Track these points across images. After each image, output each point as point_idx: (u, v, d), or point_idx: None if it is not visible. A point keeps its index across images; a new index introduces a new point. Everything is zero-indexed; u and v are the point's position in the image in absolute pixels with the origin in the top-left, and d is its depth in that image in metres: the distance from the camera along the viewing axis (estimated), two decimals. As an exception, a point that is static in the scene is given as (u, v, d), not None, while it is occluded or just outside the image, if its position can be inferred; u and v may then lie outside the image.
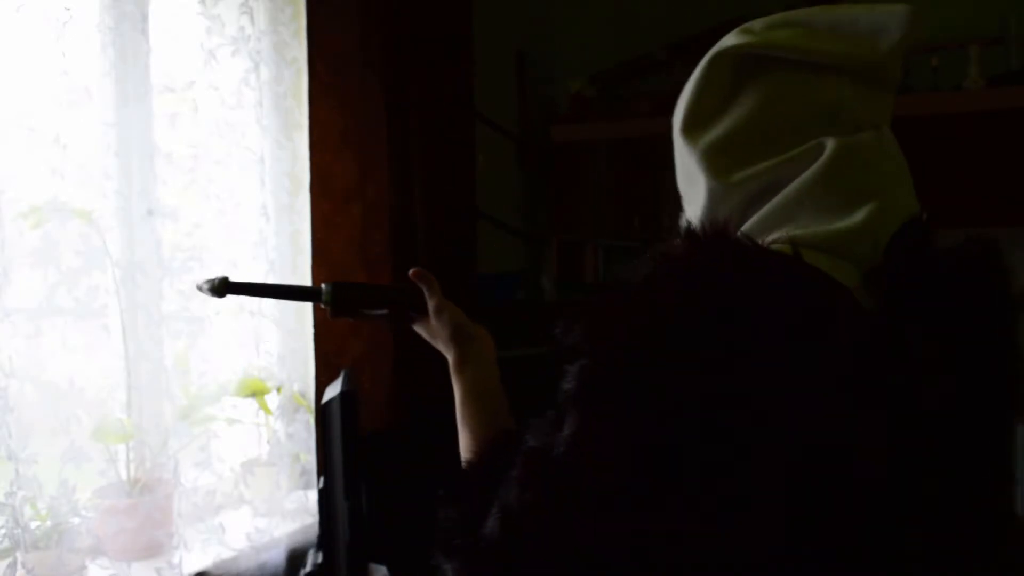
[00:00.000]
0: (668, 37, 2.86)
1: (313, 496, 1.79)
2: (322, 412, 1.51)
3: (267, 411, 1.82)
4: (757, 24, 0.84)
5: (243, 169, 1.77)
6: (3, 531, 1.34)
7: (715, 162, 0.81)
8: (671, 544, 0.63)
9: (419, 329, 1.13)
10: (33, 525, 1.38)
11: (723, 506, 0.63)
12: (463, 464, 0.89)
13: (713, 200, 0.81)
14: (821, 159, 0.76)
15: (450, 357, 1.07)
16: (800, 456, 0.64)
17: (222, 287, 1.08)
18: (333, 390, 1.49)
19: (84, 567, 1.46)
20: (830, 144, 0.76)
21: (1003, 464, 0.79)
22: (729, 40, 0.83)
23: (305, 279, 1.90)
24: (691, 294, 0.66)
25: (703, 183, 0.82)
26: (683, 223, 0.84)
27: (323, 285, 1.11)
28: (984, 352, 0.76)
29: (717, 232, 0.70)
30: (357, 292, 1.13)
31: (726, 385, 0.64)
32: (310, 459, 1.88)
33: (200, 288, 1.10)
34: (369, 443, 1.88)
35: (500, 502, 0.71)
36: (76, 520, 1.43)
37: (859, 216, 0.74)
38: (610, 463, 0.65)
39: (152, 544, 1.54)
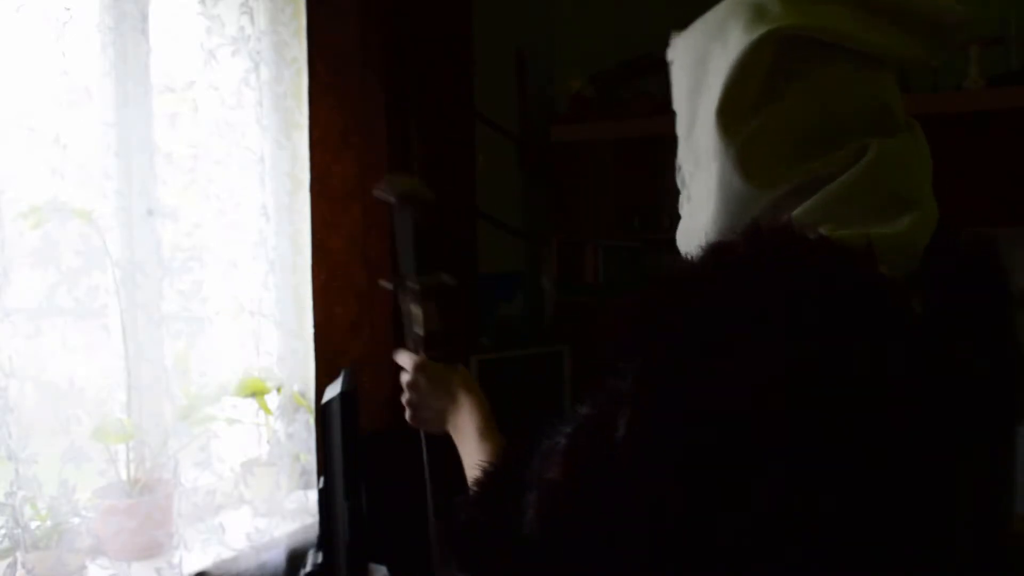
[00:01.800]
0: (668, 37, 2.86)
1: (313, 496, 1.79)
2: (322, 412, 1.51)
3: (267, 411, 1.82)
4: None
5: (243, 169, 1.77)
6: (3, 531, 1.34)
7: (750, 160, 0.74)
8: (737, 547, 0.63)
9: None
10: (33, 525, 1.38)
11: (788, 510, 0.62)
12: (480, 471, 0.86)
13: (737, 198, 0.75)
14: (865, 161, 0.72)
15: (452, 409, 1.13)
16: (877, 461, 0.64)
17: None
18: (333, 390, 1.49)
19: (84, 567, 1.46)
20: (874, 146, 0.72)
21: (1007, 470, 0.79)
22: (776, 14, 0.73)
23: (305, 279, 1.90)
24: (763, 293, 0.64)
25: (730, 180, 0.75)
26: (688, 210, 0.81)
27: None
28: (999, 355, 0.76)
29: (781, 230, 0.67)
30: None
31: (798, 389, 0.62)
32: (310, 459, 1.88)
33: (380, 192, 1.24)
34: (369, 443, 1.88)
35: (540, 502, 0.69)
36: (76, 520, 1.43)
37: (904, 223, 0.72)
38: (669, 465, 0.63)
39: (152, 544, 1.54)
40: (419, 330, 1.16)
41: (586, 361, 2.63)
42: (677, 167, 0.84)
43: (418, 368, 1.15)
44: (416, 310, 1.17)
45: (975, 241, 0.79)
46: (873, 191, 0.72)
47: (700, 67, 0.79)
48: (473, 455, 0.98)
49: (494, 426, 1.05)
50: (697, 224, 0.78)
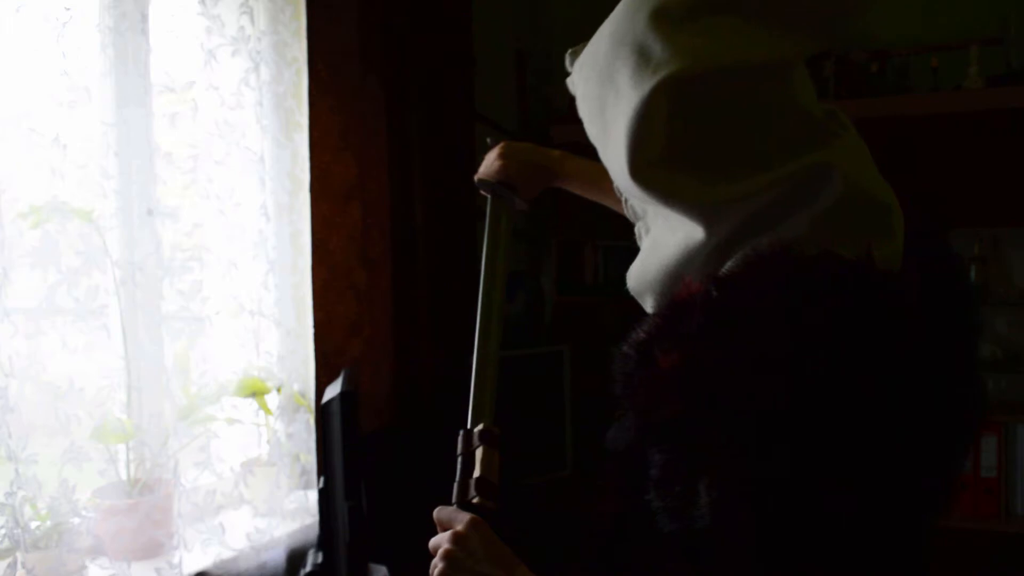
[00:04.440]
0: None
1: (313, 496, 1.79)
2: (322, 412, 1.51)
3: (267, 411, 1.82)
4: (665, 34, 0.71)
5: (243, 169, 1.77)
6: (3, 531, 1.34)
7: (686, 204, 0.72)
8: None
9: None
10: (33, 525, 1.38)
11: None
12: None
13: (695, 243, 0.72)
14: (833, 183, 0.70)
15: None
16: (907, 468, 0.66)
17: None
18: (333, 390, 1.49)
19: (84, 567, 1.46)
20: (837, 167, 0.70)
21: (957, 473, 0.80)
22: (659, 59, 0.71)
23: (305, 279, 1.90)
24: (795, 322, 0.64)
25: (680, 225, 0.73)
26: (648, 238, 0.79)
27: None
28: (966, 353, 0.77)
29: (784, 254, 0.67)
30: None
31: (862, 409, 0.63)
32: (310, 459, 1.88)
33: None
34: (369, 443, 1.88)
35: None
36: (76, 520, 1.43)
37: (898, 239, 0.72)
38: (765, 527, 0.63)
39: (152, 544, 1.53)
40: (476, 473, 0.97)
41: (588, 363, 2.63)
42: (623, 199, 0.82)
43: (473, 524, 0.88)
44: (481, 453, 0.99)
45: (934, 242, 0.78)
46: (856, 211, 0.70)
47: (600, 116, 0.77)
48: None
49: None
50: (664, 257, 0.76)
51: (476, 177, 1.22)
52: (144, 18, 1.54)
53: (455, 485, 0.96)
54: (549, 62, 3.07)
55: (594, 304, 2.88)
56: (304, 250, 1.90)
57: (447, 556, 0.87)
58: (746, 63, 0.70)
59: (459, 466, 0.98)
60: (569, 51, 0.89)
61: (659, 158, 0.71)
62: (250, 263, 1.80)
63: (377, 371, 2.08)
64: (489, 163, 1.21)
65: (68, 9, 1.40)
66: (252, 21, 1.75)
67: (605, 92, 0.75)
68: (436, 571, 0.87)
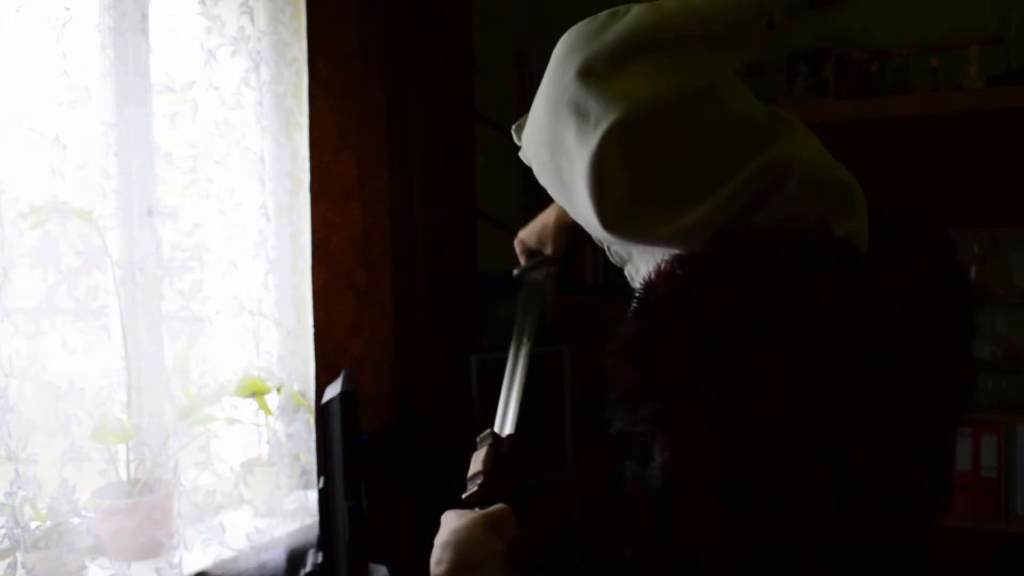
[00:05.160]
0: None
1: (313, 496, 1.79)
2: (322, 412, 1.51)
3: (267, 411, 1.82)
4: (593, 78, 0.74)
5: (243, 169, 1.77)
6: (3, 531, 1.34)
7: (666, 234, 0.74)
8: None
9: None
10: (33, 525, 1.38)
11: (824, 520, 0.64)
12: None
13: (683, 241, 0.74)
14: (791, 171, 0.73)
15: None
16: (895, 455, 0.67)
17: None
18: (333, 390, 1.49)
19: (84, 567, 1.46)
20: (789, 157, 0.73)
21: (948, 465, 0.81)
22: (597, 113, 0.74)
23: (305, 279, 1.90)
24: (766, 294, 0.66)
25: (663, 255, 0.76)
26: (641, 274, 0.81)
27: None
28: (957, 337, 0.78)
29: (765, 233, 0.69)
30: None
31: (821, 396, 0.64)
32: (310, 459, 1.88)
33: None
34: (369, 443, 1.88)
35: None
36: (76, 520, 1.43)
37: (861, 216, 0.74)
38: (713, 487, 0.64)
39: (152, 544, 1.53)
40: (469, 472, 1.00)
41: (588, 363, 2.63)
42: (606, 248, 0.85)
43: (471, 517, 0.90)
44: (476, 453, 1.03)
45: (912, 221, 0.81)
46: (822, 197, 0.73)
47: (558, 180, 0.80)
48: None
49: None
50: None
51: (521, 238, 1.24)
52: (144, 18, 1.54)
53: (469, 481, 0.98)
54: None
55: (594, 304, 2.88)
56: (304, 250, 1.90)
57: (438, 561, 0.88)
58: (678, 93, 0.73)
59: (480, 459, 1.00)
60: (513, 126, 0.92)
61: (624, 204, 0.74)
62: (250, 263, 1.80)
63: (377, 371, 2.08)
64: (540, 229, 1.23)
65: (68, 9, 1.40)
66: (252, 21, 1.75)
67: (556, 157, 0.78)
68: (433, 559, 0.89)
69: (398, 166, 2.15)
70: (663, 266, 0.72)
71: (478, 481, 0.96)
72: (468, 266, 2.45)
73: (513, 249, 1.25)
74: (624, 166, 0.73)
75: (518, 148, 0.90)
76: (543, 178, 0.83)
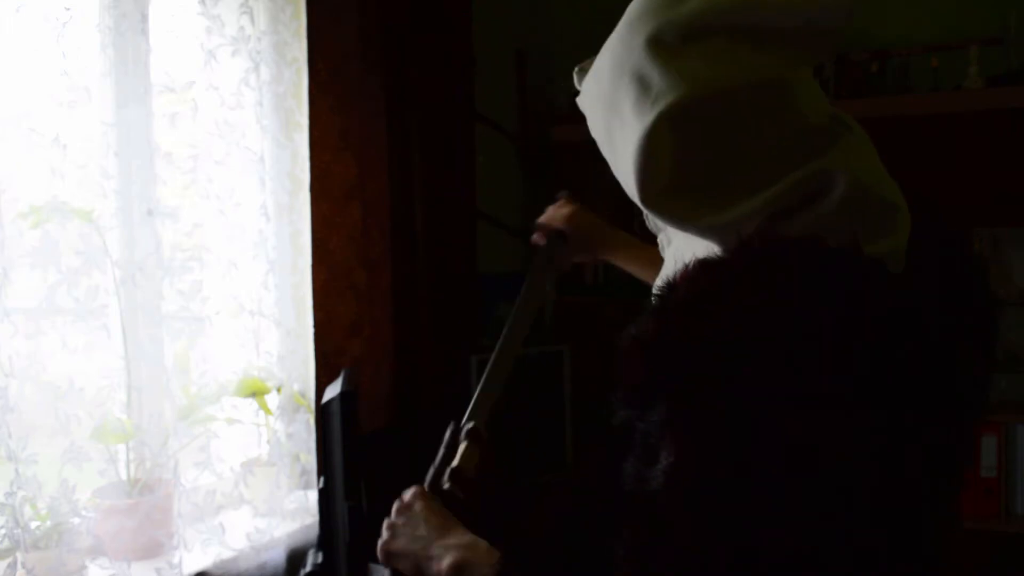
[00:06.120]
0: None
1: (313, 496, 1.79)
2: (322, 412, 1.51)
3: (267, 411, 1.82)
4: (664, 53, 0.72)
5: (243, 169, 1.77)
6: (3, 531, 1.34)
7: (703, 225, 0.74)
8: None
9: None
10: (33, 525, 1.38)
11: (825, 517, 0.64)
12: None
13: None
14: (837, 187, 0.71)
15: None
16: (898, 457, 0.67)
17: None
18: (333, 390, 1.49)
19: (84, 567, 1.46)
20: (840, 171, 0.71)
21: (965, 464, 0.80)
22: (659, 88, 0.72)
23: (305, 279, 1.90)
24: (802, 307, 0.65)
25: (699, 242, 0.76)
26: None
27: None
28: (978, 345, 0.78)
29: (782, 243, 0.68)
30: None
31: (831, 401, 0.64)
32: (310, 459, 1.88)
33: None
34: (369, 443, 1.88)
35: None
36: (76, 520, 1.43)
37: (900, 235, 0.73)
38: (713, 493, 0.64)
39: (152, 544, 1.54)
40: (455, 464, 1.02)
41: (588, 363, 2.63)
42: (644, 212, 0.83)
43: (417, 495, 0.98)
44: (463, 448, 1.04)
45: (949, 235, 0.80)
46: (863, 213, 0.71)
47: (609, 141, 0.79)
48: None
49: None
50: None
51: (538, 221, 1.33)
52: (144, 18, 1.54)
53: (430, 470, 1.02)
54: (549, 62, 3.07)
55: (594, 304, 2.88)
56: (304, 250, 1.90)
57: (389, 526, 0.97)
58: (744, 85, 0.72)
59: (440, 455, 1.04)
60: (576, 68, 0.91)
61: (667, 187, 0.74)
62: (250, 263, 1.80)
63: (377, 371, 2.08)
64: (555, 210, 1.34)
65: (68, 9, 1.40)
66: (252, 21, 1.75)
67: (610, 118, 0.77)
68: (380, 541, 0.96)
69: (398, 166, 2.15)
70: (689, 268, 0.71)
71: (462, 483, 0.98)
72: (468, 266, 2.45)
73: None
74: (675, 149, 0.72)
75: (576, 93, 0.88)
76: (595, 131, 0.82)
